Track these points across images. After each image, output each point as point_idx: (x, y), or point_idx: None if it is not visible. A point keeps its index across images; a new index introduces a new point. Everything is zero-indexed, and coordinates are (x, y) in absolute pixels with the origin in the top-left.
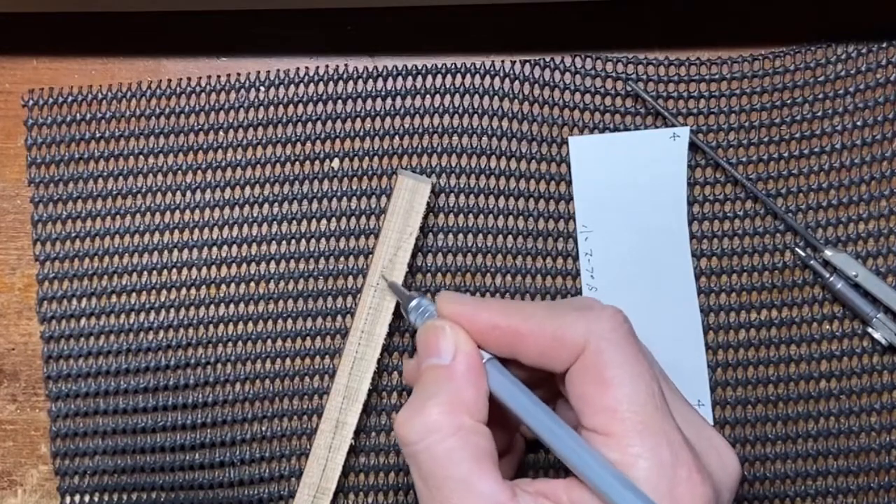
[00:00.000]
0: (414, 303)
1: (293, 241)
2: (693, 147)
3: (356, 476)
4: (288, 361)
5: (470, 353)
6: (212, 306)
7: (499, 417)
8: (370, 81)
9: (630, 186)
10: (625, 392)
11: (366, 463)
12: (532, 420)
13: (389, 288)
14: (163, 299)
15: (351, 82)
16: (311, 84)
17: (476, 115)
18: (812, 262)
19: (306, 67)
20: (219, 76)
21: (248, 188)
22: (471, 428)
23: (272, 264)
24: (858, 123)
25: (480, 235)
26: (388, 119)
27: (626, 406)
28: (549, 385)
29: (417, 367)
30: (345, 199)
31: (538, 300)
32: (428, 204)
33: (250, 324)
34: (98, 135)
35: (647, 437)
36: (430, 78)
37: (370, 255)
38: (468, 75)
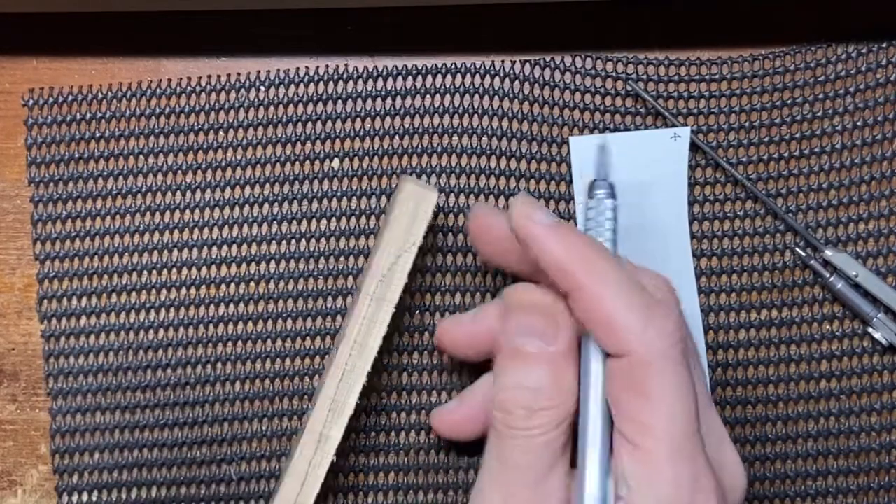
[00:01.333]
0: (603, 191)
1: (293, 241)
2: (693, 147)
3: (356, 476)
4: (288, 361)
5: (573, 339)
6: (211, 306)
7: None
8: (370, 81)
9: (630, 186)
10: (664, 413)
11: (365, 463)
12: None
13: (601, 148)
14: (163, 298)
15: (351, 82)
16: (311, 84)
17: (476, 115)
18: (812, 262)
19: (306, 67)
20: (219, 76)
21: (247, 188)
22: (569, 422)
23: (272, 264)
24: (859, 123)
25: None
26: (388, 119)
27: (663, 427)
28: None
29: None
30: (345, 198)
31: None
32: (434, 213)
33: (250, 323)
34: (98, 134)
35: (677, 462)
36: (429, 78)
37: (366, 263)
38: (468, 75)
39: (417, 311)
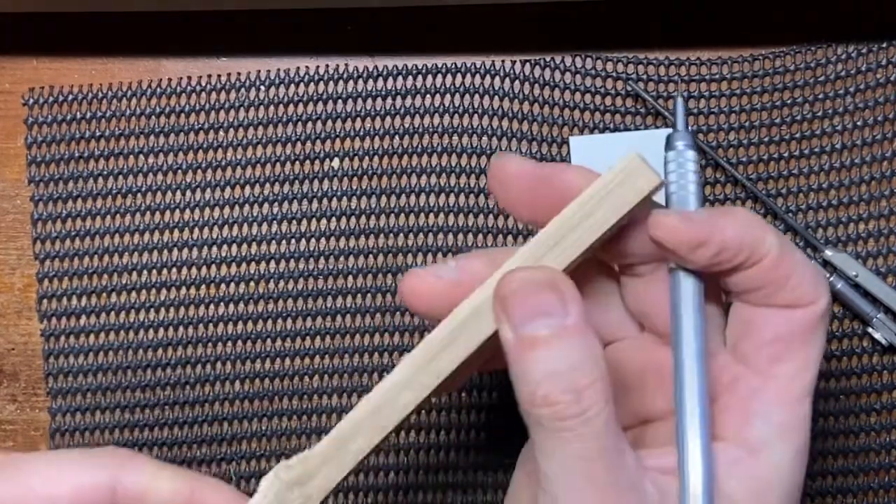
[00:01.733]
0: (683, 144)
1: (293, 241)
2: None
3: (355, 476)
4: (287, 361)
5: (582, 304)
6: (211, 305)
7: None
8: (370, 81)
9: None
10: (812, 363)
11: (364, 463)
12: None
13: (678, 105)
14: (162, 298)
15: (351, 82)
16: (311, 83)
17: (476, 115)
18: (812, 262)
19: (306, 67)
20: (219, 76)
21: (247, 187)
22: (612, 393)
23: (272, 263)
24: (859, 123)
25: (480, 235)
26: (388, 118)
27: (809, 379)
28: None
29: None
30: (345, 198)
31: None
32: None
33: (250, 323)
34: (98, 133)
35: (803, 420)
36: (429, 78)
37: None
38: (468, 75)
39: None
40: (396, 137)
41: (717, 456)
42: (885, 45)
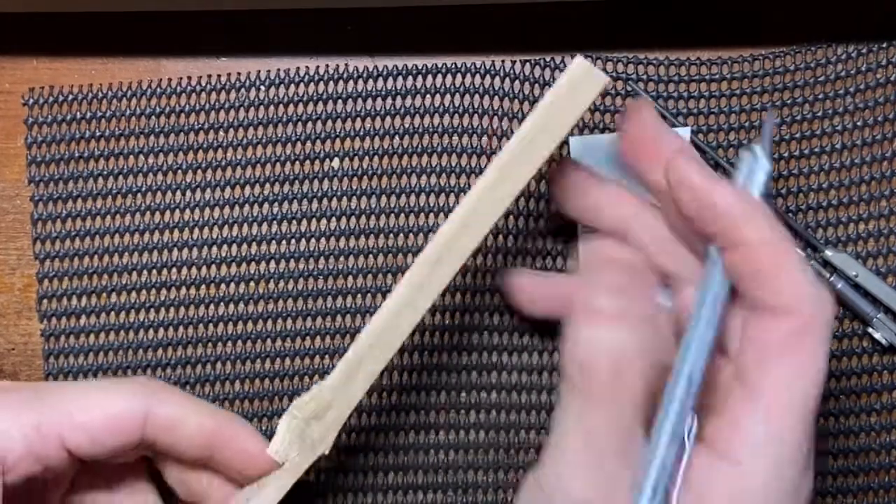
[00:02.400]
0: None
1: (293, 241)
2: (694, 147)
3: (355, 476)
4: (287, 361)
5: (653, 298)
6: (211, 305)
7: None
8: (370, 81)
9: (631, 187)
10: (811, 374)
11: (364, 463)
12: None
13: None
14: (162, 298)
15: (351, 82)
16: (311, 83)
17: (476, 115)
18: (812, 262)
19: (306, 67)
20: (219, 76)
21: (247, 187)
22: (651, 386)
23: (272, 264)
24: (859, 123)
25: None
26: (388, 118)
27: (803, 389)
28: None
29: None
30: (345, 198)
31: None
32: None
33: (250, 323)
34: (98, 134)
35: (799, 429)
36: (429, 78)
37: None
38: (468, 75)
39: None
40: (396, 137)
41: (700, 460)
42: (885, 45)
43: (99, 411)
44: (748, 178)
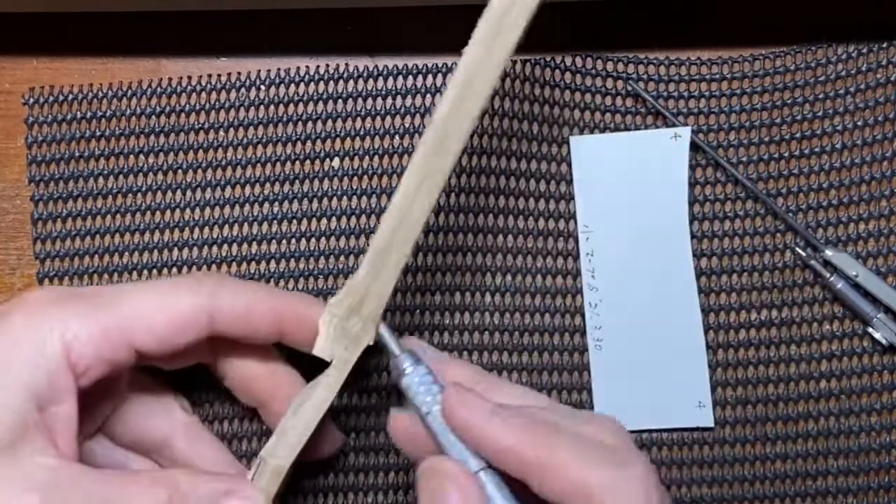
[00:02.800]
0: (410, 368)
1: (293, 241)
2: (694, 147)
3: (356, 475)
4: (290, 361)
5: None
6: None
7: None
8: (370, 80)
9: (631, 186)
10: None
11: (365, 462)
12: None
13: (381, 336)
14: None
15: (351, 81)
16: (312, 83)
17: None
18: (812, 261)
19: (307, 66)
20: (219, 75)
21: (248, 187)
22: None
23: (272, 263)
24: (859, 123)
25: (480, 235)
26: (388, 118)
27: None
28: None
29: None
30: (345, 198)
31: (535, 356)
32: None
33: None
34: (98, 133)
35: None
36: (430, 77)
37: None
38: None
39: (417, 311)
40: (397, 137)
41: None
42: (885, 45)
43: (165, 310)
44: (419, 383)
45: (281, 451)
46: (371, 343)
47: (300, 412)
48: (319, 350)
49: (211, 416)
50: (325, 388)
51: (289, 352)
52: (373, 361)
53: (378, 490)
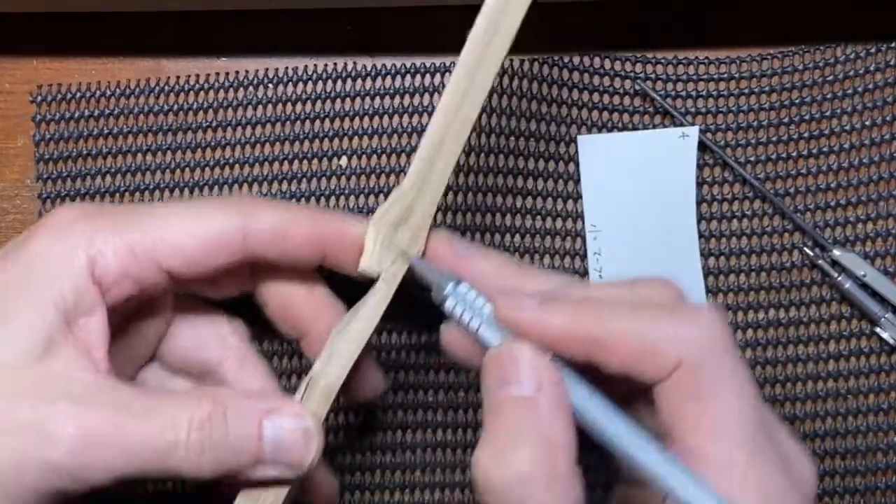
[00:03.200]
0: (450, 288)
1: None
2: (702, 146)
3: (361, 474)
4: (286, 361)
5: (556, 384)
6: None
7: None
8: (378, 79)
9: (639, 185)
10: (730, 410)
11: (370, 461)
12: (617, 441)
13: (414, 268)
14: None
15: (360, 80)
16: (320, 81)
17: (484, 114)
18: (820, 261)
19: (314, 64)
20: (227, 73)
21: (255, 185)
22: (568, 475)
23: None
24: (867, 123)
25: (488, 234)
26: (395, 117)
27: (733, 427)
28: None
29: (486, 389)
30: (352, 196)
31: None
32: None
33: (258, 322)
34: (106, 131)
35: (757, 463)
36: (437, 76)
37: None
38: None
39: (420, 311)
40: (405, 135)
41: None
42: (893, 44)
43: (194, 230)
44: (467, 300)
45: (330, 372)
46: (421, 255)
47: (349, 330)
48: (366, 265)
49: (264, 351)
50: (374, 305)
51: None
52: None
53: (384, 489)
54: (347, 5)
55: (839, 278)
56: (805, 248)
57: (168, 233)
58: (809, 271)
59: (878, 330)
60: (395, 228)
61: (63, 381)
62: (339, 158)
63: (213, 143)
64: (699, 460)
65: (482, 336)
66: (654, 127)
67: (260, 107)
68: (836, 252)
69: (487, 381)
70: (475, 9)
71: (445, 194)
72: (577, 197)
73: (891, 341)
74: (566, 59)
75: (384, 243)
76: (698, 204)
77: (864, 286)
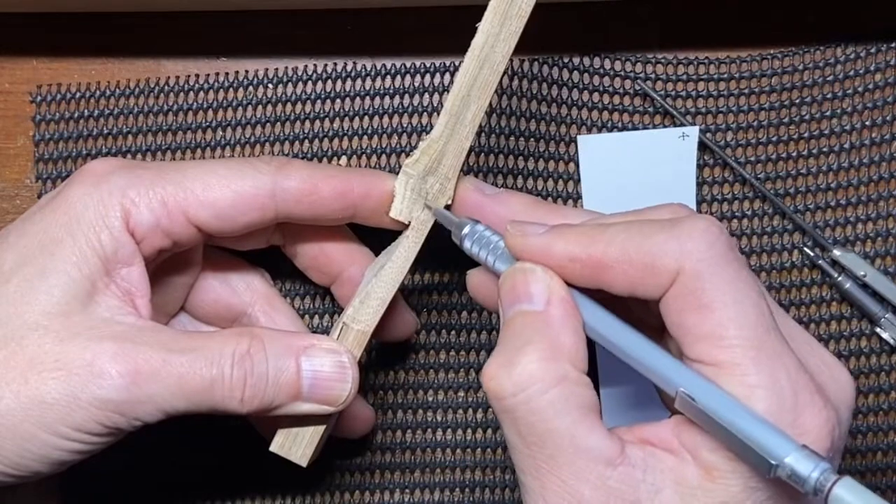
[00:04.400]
0: (467, 229)
1: None
2: (702, 146)
3: (362, 474)
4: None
5: (565, 298)
6: None
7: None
8: (378, 79)
9: (639, 186)
10: (730, 315)
11: (371, 461)
12: (631, 353)
13: (433, 214)
14: None
15: (359, 80)
16: (320, 81)
17: (484, 114)
18: (820, 261)
19: (314, 65)
20: (226, 73)
21: None
22: (576, 378)
23: (280, 262)
24: (867, 123)
25: None
26: (396, 117)
27: (735, 331)
28: (636, 310)
29: (501, 312)
30: None
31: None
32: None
33: None
34: (106, 131)
35: (762, 362)
36: (437, 76)
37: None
38: None
39: (424, 310)
40: (405, 135)
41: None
42: (893, 45)
43: (224, 188)
44: (482, 237)
45: (363, 316)
46: (450, 203)
47: (381, 274)
48: (396, 212)
49: (283, 293)
50: (405, 250)
51: None
52: (378, 359)
53: (384, 489)
54: (347, 5)
55: (839, 278)
56: (805, 248)
57: (199, 188)
58: (810, 271)
59: (878, 330)
60: (425, 176)
61: (109, 324)
62: (338, 158)
63: (213, 143)
64: (705, 369)
65: (498, 270)
66: (654, 127)
67: (260, 107)
68: (837, 252)
69: (502, 304)
70: (475, 9)
71: (470, 150)
72: (577, 197)
73: (891, 341)
74: (566, 59)
75: (414, 190)
76: (698, 204)
77: (864, 286)
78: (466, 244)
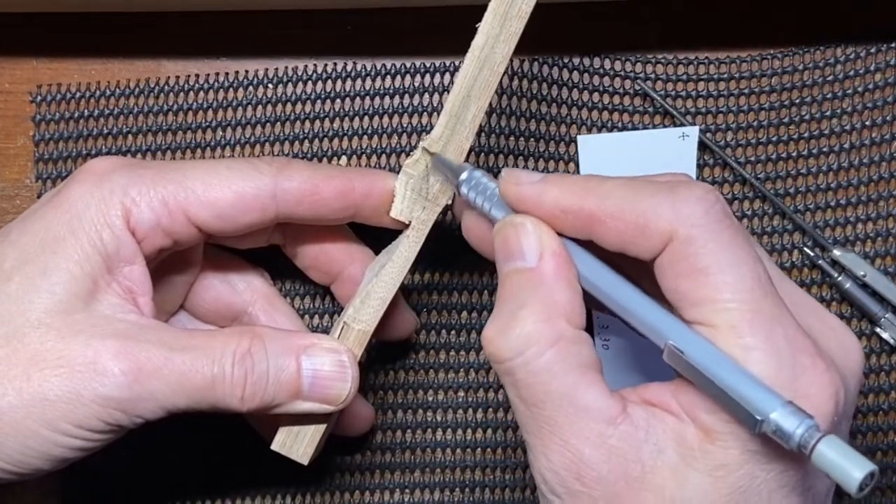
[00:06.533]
0: (465, 175)
1: None
2: (702, 146)
3: (361, 474)
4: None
5: (558, 252)
6: None
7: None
8: (378, 79)
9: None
10: (726, 280)
11: (371, 461)
12: (623, 304)
13: (434, 163)
14: None
15: (359, 80)
16: (320, 81)
17: (484, 114)
18: (820, 261)
19: (314, 65)
20: (227, 73)
21: None
22: (572, 336)
23: (281, 262)
24: (867, 123)
25: None
26: (396, 117)
27: (731, 294)
28: (634, 276)
29: (497, 266)
30: None
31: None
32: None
33: None
34: (106, 131)
35: (759, 324)
36: (437, 76)
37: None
38: None
39: (424, 310)
40: (405, 135)
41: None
42: (893, 45)
43: (225, 188)
44: (478, 183)
45: (364, 316)
46: (450, 203)
47: (382, 274)
48: (396, 212)
49: (283, 293)
50: (406, 249)
51: None
52: (378, 358)
53: (384, 489)
54: (347, 5)
55: (839, 278)
56: (805, 248)
57: (200, 188)
58: (809, 271)
59: (878, 330)
60: (425, 176)
61: (111, 321)
62: (339, 158)
63: (213, 143)
64: (701, 331)
65: (493, 216)
66: (654, 127)
67: (260, 107)
68: (837, 252)
69: (497, 258)
70: (475, 9)
71: (470, 150)
72: None
73: (891, 341)
74: (566, 59)
75: (415, 190)
76: None
77: (864, 286)
78: (464, 190)
